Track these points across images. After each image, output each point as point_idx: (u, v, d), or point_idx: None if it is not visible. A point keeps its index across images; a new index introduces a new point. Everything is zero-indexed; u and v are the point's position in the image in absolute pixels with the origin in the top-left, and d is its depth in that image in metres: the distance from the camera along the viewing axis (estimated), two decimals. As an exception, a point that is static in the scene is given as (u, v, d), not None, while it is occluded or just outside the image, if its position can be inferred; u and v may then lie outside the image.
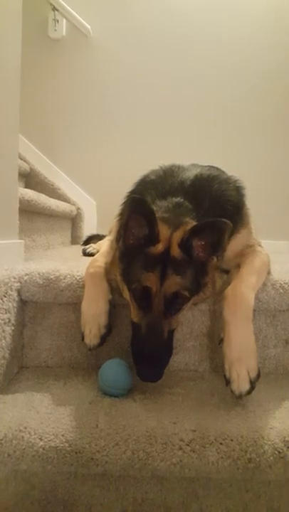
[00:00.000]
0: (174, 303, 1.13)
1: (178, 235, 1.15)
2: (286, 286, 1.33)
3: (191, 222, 1.20)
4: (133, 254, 1.17)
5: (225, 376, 1.12)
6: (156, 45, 3.16)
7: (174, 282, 1.11)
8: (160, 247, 1.14)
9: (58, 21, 3.15)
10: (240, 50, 3.14)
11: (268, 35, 3.12)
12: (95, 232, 2.88)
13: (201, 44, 3.15)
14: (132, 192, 1.40)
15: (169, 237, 1.15)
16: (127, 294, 1.19)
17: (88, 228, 3.15)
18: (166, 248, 1.14)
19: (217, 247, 1.14)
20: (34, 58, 3.12)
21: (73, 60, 3.22)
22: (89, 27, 3.12)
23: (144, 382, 1.12)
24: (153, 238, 1.14)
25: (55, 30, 3.17)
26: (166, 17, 3.14)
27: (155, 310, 1.11)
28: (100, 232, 2.59)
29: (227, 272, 1.35)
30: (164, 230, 1.16)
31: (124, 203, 1.30)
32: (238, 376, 1.10)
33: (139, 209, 1.12)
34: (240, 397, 1.10)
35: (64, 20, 3.14)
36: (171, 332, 1.16)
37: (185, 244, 1.14)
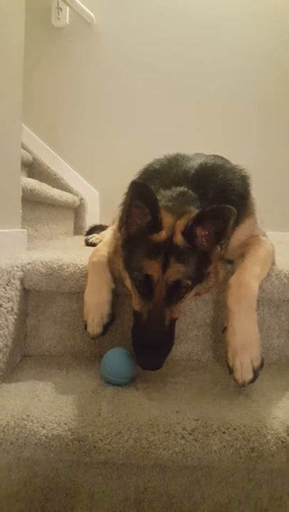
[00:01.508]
0: (176, 291, 1.12)
1: (181, 223, 1.14)
2: (290, 276, 1.32)
3: (195, 211, 1.19)
4: (135, 242, 1.16)
5: (228, 365, 1.12)
6: (160, 33, 3.12)
7: (176, 270, 1.10)
8: (163, 235, 1.13)
9: (61, 9, 3.11)
10: (242, 38, 3.10)
11: (270, 24, 3.07)
12: (97, 222, 2.87)
13: (205, 33, 3.10)
14: (136, 181, 1.38)
15: (172, 225, 1.14)
16: (128, 283, 1.19)
17: (91, 219, 3.14)
18: (169, 236, 1.13)
19: (221, 235, 1.13)
20: (37, 47, 3.10)
21: (77, 49, 3.18)
22: (92, 15, 3.08)
23: (144, 370, 1.12)
24: (156, 226, 1.13)
25: (59, 18, 3.13)
26: (170, 6, 3.09)
27: (157, 298, 1.11)
28: (103, 223, 2.58)
29: (231, 262, 1.34)
30: (167, 218, 1.15)
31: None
32: (241, 365, 1.09)
33: (141, 194, 1.11)
34: (243, 385, 1.09)
35: (67, 8, 3.10)
36: (173, 321, 1.15)
37: (188, 233, 1.13)
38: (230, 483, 1.04)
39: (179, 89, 3.15)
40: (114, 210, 1.61)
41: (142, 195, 1.11)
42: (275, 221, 2.62)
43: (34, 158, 3.11)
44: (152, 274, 1.10)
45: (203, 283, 1.19)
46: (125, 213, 1.18)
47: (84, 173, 3.23)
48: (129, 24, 3.14)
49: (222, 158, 1.51)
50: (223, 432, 0.97)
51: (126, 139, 3.18)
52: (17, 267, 1.28)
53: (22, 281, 1.30)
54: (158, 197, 1.20)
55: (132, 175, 1.45)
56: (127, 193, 1.12)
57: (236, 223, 1.27)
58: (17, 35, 1.49)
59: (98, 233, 2.19)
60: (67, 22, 3.15)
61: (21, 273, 1.29)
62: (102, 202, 3.22)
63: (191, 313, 1.35)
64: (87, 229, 2.72)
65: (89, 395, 1.10)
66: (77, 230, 3.13)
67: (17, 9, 1.48)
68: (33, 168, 3.12)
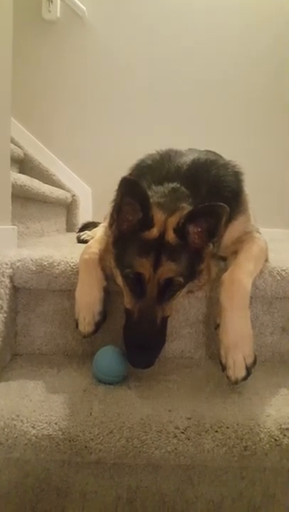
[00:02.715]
0: (168, 289, 1.11)
1: (173, 220, 1.13)
2: (283, 273, 1.31)
3: (187, 208, 1.17)
4: (126, 240, 1.14)
5: (221, 362, 1.11)
6: (152, 26, 3.09)
7: (168, 269, 1.09)
8: (154, 232, 1.11)
9: (51, 2, 3.06)
10: (235, 32, 3.08)
11: (264, 19, 3.06)
12: (90, 219, 2.83)
13: (198, 27, 3.08)
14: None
15: (164, 222, 1.13)
16: (120, 280, 1.17)
17: (84, 215, 3.11)
18: (161, 233, 1.12)
19: (213, 232, 1.12)
20: (27, 40, 3.05)
21: (68, 42, 3.14)
22: (84, 8, 3.04)
23: (136, 368, 1.11)
24: (147, 223, 1.11)
25: (49, 11, 3.08)
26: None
27: (148, 296, 1.10)
28: (96, 220, 2.54)
29: (224, 259, 1.33)
30: (158, 215, 1.13)
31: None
32: (234, 362, 1.09)
33: (131, 191, 1.10)
34: (236, 383, 1.09)
35: (58, 1, 3.05)
36: (165, 319, 1.14)
37: (180, 230, 1.11)
38: (223, 481, 1.04)
39: (172, 83, 3.13)
40: (107, 207, 1.59)
41: (133, 191, 1.10)
42: (268, 218, 2.62)
43: (25, 154, 3.06)
44: (144, 273, 1.08)
45: (195, 280, 1.18)
46: (116, 210, 1.16)
47: (76, 169, 3.19)
48: (121, 17, 3.10)
49: (215, 153, 1.49)
50: (216, 431, 0.96)
51: (119, 135, 3.15)
52: (6, 264, 1.26)
53: (11, 278, 1.28)
54: (150, 193, 1.19)
55: (125, 171, 1.43)
56: (118, 190, 1.11)
57: (229, 220, 1.26)
58: (5, 28, 1.46)
59: (91, 230, 2.17)
60: (58, 15, 3.10)
61: (11, 270, 1.27)
62: (94, 198, 3.19)
63: (184, 311, 1.34)
64: (79, 226, 2.69)
65: (80, 394, 1.09)
66: (69, 227, 3.10)
67: (5, 1, 1.45)
68: (24, 164, 3.07)
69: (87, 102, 3.17)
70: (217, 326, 1.16)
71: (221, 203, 1.07)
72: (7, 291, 1.25)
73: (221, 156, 1.48)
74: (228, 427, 0.97)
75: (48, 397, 1.07)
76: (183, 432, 0.96)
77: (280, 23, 3.06)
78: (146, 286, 1.09)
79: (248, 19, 3.07)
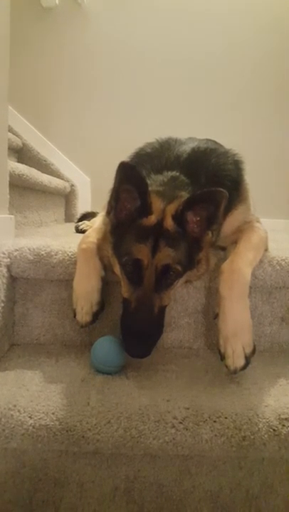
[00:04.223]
0: (166, 277, 1.10)
1: (172, 208, 1.11)
2: (283, 263, 1.30)
3: (186, 196, 1.16)
4: (125, 228, 1.13)
5: (220, 351, 1.11)
6: (151, 15, 3.05)
7: (166, 255, 1.08)
8: (153, 219, 1.10)
9: (50, -12, 3.01)
10: (235, 21, 3.04)
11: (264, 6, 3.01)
12: (89, 209, 2.82)
13: (196, 14, 3.03)
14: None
15: (162, 209, 1.12)
16: (118, 269, 1.16)
17: (82, 205, 3.09)
18: (160, 220, 1.10)
19: (212, 220, 1.11)
20: (25, 27, 3.01)
21: (67, 30, 3.09)
22: (83, -5, 2.99)
23: (133, 358, 1.11)
24: (145, 210, 1.10)
25: (48, -2, 3.04)
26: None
27: (146, 284, 1.08)
28: (95, 210, 2.52)
29: (224, 249, 1.31)
30: (157, 203, 1.12)
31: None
32: (233, 351, 1.08)
33: (129, 177, 1.08)
34: (234, 372, 1.08)
35: (57, -13, 3.01)
36: (163, 308, 1.13)
37: (179, 217, 1.10)
38: (222, 471, 1.03)
39: (172, 71, 3.09)
40: (106, 197, 1.58)
41: (131, 177, 1.08)
42: (268, 208, 2.60)
43: (24, 144, 3.03)
44: (142, 259, 1.07)
45: (193, 270, 1.17)
46: (114, 197, 1.15)
47: (75, 159, 3.17)
48: (119, 5, 3.06)
49: (215, 142, 1.47)
50: (214, 421, 0.96)
51: (118, 124, 3.11)
52: (3, 253, 1.25)
53: (9, 268, 1.27)
54: (149, 181, 1.18)
55: (125, 160, 1.41)
56: (116, 176, 1.09)
57: (229, 209, 1.25)
58: (2, 15, 1.43)
59: (89, 220, 2.15)
60: (57, 2, 3.05)
61: (8, 260, 1.26)
62: (93, 188, 3.16)
63: (183, 301, 1.33)
64: (78, 216, 2.67)
65: (78, 383, 1.08)
66: (68, 217, 3.08)
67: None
68: (22, 153, 3.04)
69: (86, 91, 3.13)
70: (216, 316, 1.15)
71: (220, 189, 1.06)
72: (4, 281, 1.24)
73: (221, 145, 1.46)
74: (226, 417, 0.97)
75: (46, 387, 1.06)
76: (181, 422, 0.95)
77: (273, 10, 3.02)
78: (144, 273, 1.08)
79: (245, 7, 3.03)
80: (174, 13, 3.04)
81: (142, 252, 1.07)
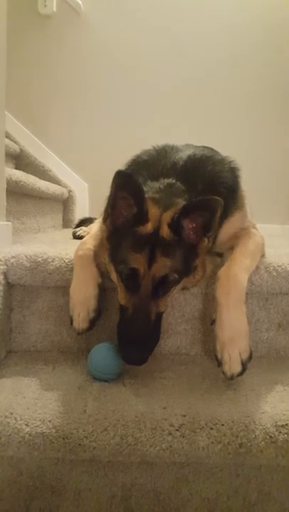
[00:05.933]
0: (163, 285, 1.10)
1: (168, 215, 1.12)
2: (279, 269, 1.30)
3: (182, 203, 1.16)
4: (121, 235, 1.13)
5: (216, 357, 1.11)
6: (149, 21, 3.07)
7: (163, 265, 1.08)
8: (149, 227, 1.10)
9: (48, -4, 3.04)
10: (230, 24, 3.07)
11: (262, 9, 3.04)
12: (87, 215, 2.82)
13: (195, 20, 3.06)
14: (123, 173, 1.35)
15: (158, 217, 1.12)
16: (114, 276, 1.16)
17: (80, 211, 3.09)
18: (156, 229, 1.11)
19: (208, 227, 1.11)
20: (23, 35, 3.03)
21: (64, 37, 3.11)
22: (80, 2, 3.01)
23: (129, 365, 1.10)
24: (142, 217, 1.10)
25: (45, 5, 3.06)
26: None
27: (142, 292, 1.09)
28: (93, 216, 2.53)
29: (221, 255, 1.32)
30: (153, 210, 1.12)
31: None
32: (229, 357, 1.08)
33: (126, 184, 1.08)
34: (231, 378, 1.08)
35: (54, -5, 3.03)
36: (159, 315, 1.13)
37: (175, 225, 1.10)
38: (219, 478, 1.03)
39: (169, 78, 3.11)
40: (104, 203, 1.58)
41: (127, 185, 1.08)
42: (265, 213, 2.61)
43: (21, 150, 3.04)
44: (138, 268, 1.07)
45: (190, 276, 1.17)
46: (110, 205, 1.15)
47: (73, 164, 3.18)
48: (117, 12, 3.08)
49: (212, 149, 1.48)
50: (211, 428, 0.96)
51: (115, 131, 3.13)
52: (0, 260, 1.25)
53: (6, 275, 1.27)
54: (145, 188, 1.18)
55: (122, 167, 1.42)
56: (112, 184, 1.09)
57: (225, 216, 1.25)
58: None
59: (87, 226, 2.16)
60: (55, 9, 3.07)
61: (5, 267, 1.26)
62: (91, 194, 3.17)
63: (180, 307, 1.33)
64: (76, 222, 2.68)
65: (75, 391, 1.08)
66: (66, 223, 3.08)
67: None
68: (20, 159, 3.05)
69: (83, 97, 3.15)
70: (213, 322, 1.15)
71: (215, 197, 1.06)
72: (1, 288, 1.24)
73: (217, 152, 1.46)
74: (223, 424, 0.96)
75: (42, 395, 1.06)
76: (178, 430, 0.95)
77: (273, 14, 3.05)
78: (141, 282, 1.08)
79: (245, 11, 3.05)
80: (173, 20, 3.06)
81: (138, 261, 1.08)
